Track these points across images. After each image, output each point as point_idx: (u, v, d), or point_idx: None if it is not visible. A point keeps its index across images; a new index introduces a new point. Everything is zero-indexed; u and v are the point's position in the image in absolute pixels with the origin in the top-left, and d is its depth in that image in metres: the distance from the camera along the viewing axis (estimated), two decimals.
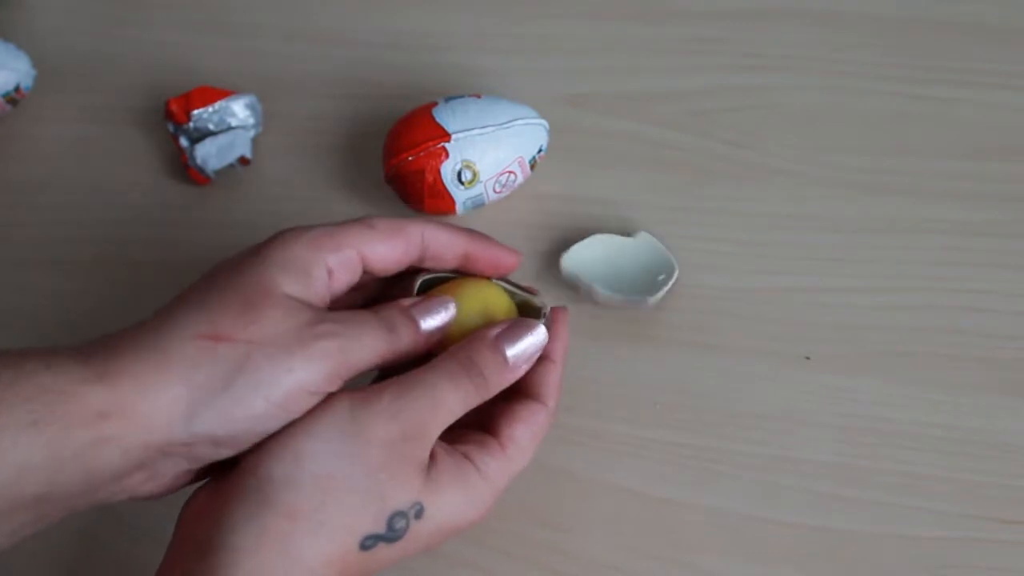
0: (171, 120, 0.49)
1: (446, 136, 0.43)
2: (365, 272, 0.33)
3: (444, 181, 0.44)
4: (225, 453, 0.29)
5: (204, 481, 0.31)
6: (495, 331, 0.33)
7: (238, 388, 0.28)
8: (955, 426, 0.40)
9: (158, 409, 0.28)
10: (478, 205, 0.46)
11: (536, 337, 0.33)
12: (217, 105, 0.49)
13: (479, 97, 0.45)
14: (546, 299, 0.37)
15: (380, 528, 0.29)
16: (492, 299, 0.35)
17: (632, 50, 0.52)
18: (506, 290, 0.36)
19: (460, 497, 0.31)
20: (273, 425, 0.29)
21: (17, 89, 0.52)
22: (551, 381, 0.35)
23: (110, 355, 0.28)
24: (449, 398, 0.31)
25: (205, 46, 0.55)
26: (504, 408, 0.33)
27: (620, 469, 0.41)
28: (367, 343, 0.31)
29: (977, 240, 0.44)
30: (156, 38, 0.55)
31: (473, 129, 0.43)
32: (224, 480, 0.29)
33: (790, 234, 0.45)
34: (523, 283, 0.37)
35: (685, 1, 0.53)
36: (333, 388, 0.30)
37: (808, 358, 0.42)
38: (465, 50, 0.53)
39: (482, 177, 0.44)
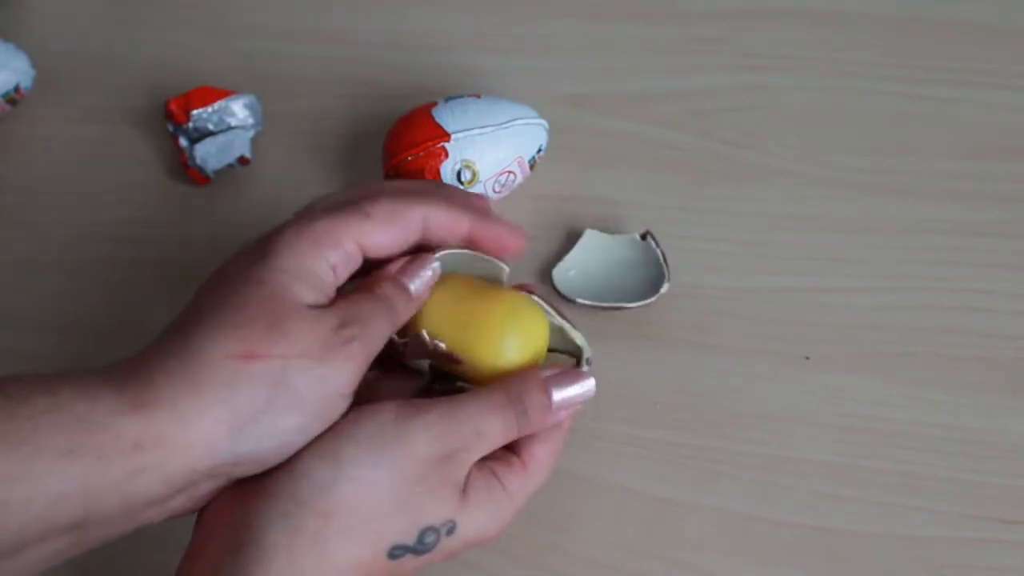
0: (171, 120, 0.49)
1: (446, 136, 0.43)
2: (365, 260, 0.33)
3: (444, 181, 0.44)
4: (269, 465, 0.29)
5: None
6: (547, 373, 0.33)
7: (278, 404, 0.28)
8: (955, 426, 0.40)
9: (201, 435, 0.27)
10: None
11: (584, 389, 0.33)
12: (217, 105, 0.48)
13: (479, 97, 0.45)
14: (585, 338, 0.36)
15: (410, 540, 0.29)
16: (528, 321, 0.34)
17: (632, 50, 0.52)
18: (546, 312, 0.36)
19: (487, 514, 0.31)
20: (312, 434, 0.29)
21: (17, 89, 0.52)
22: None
23: (144, 384, 0.28)
24: (493, 429, 0.31)
25: (205, 46, 0.55)
26: None
27: (620, 469, 0.41)
28: (380, 332, 0.31)
29: (977, 240, 0.44)
30: (156, 38, 0.55)
31: (473, 129, 0.43)
32: (258, 476, 0.29)
33: (790, 234, 0.45)
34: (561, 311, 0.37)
35: (685, 1, 0.53)
36: (357, 384, 0.30)
37: (808, 358, 0.42)
38: (465, 50, 0.53)
39: (482, 177, 0.44)
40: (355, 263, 0.33)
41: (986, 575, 0.37)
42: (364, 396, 0.31)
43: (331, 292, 0.31)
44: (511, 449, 0.33)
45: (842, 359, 0.42)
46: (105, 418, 0.27)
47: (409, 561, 0.30)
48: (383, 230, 0.32)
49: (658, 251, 0.43)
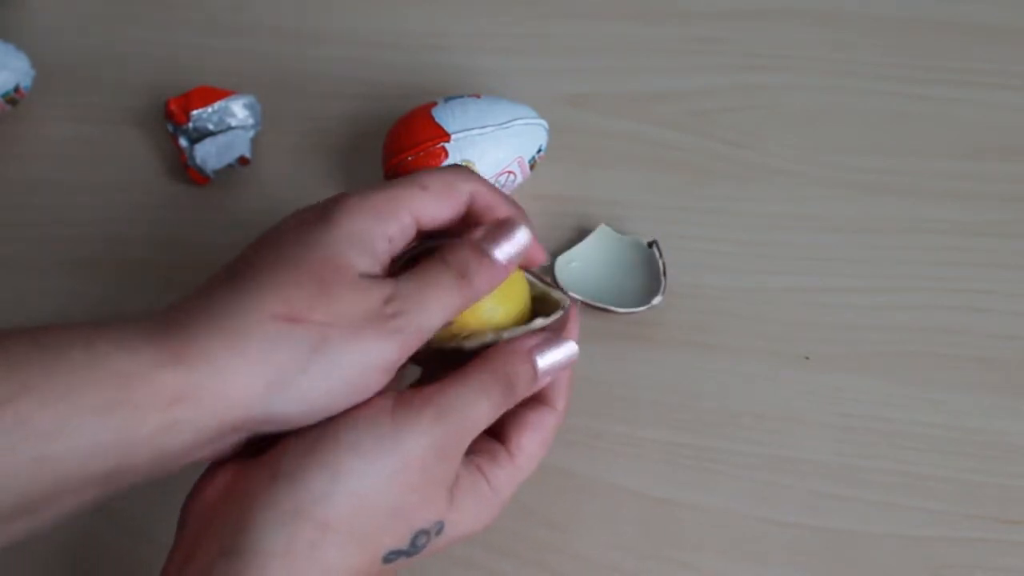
0: (171, 120, 0.49)
1: (446, 136, 0.43)
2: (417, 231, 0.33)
3: None
4: (294, 427, 0.29)
5: (212, 467, 0.31)
6: (530, 343, 0.33)
7: (316, 370, 0.28)
8: (955, 426, 0.40)
9: (236, 391, 0.27)
10: None
11: (567, 352, 0.33)
12: (217, 105, 0.49)
13: (479, 97, 0.45)
14: (564, 296, 0.36)
15: (404, 544, 0.30)
16: (512, 284, 0.34)
17: (632, 50, 0.52)
18: (527, 279, 0.36)
19: (472, 511, 0.31)
20: (346, 403, 0.29)
21: (17, 89, 0.52)
22: (560, 383, 0.35)
23: (185, 337, 0.27)
24: (483, 414, 0.31)
25: (205, 46, 0.55)
26: (513, 413, 0.33)
27: (620, 469, 0.41)
28: (439, 307, 0.30)
29: (977, 240, 0.44)
30: (156, 38, 0.55)
31: (473, 129, 0.43)
32: (250, 477, 0.29)
33: (790, 234, 0.45)
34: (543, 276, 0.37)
35: (685, 1, 0.53)
36: (404, 359, 0.30)
37: (808, 358, 0.42)
38: (465, 50, 0.53)
39: None
40: (409, 234, 0.32)
41: (986, 575, 0.37)
42: None
43: (386, 261, 0.31)
44: (498, 436, 0.33)
45: (842, 359, 0.42)
46: (143, 370, 0.26)
47: (400, 562, 0.30)
48: (437, 202, 0.32)
49: (660, 262, 0.43)
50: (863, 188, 0.46)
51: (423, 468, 0.29)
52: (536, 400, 0.34)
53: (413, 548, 0.30)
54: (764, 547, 0.39)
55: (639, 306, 0.43)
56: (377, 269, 0.31)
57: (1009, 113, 0.48)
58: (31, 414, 0.25)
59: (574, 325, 0.36)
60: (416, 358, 0.33)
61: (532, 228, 0.34)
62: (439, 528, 0.30)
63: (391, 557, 0.29)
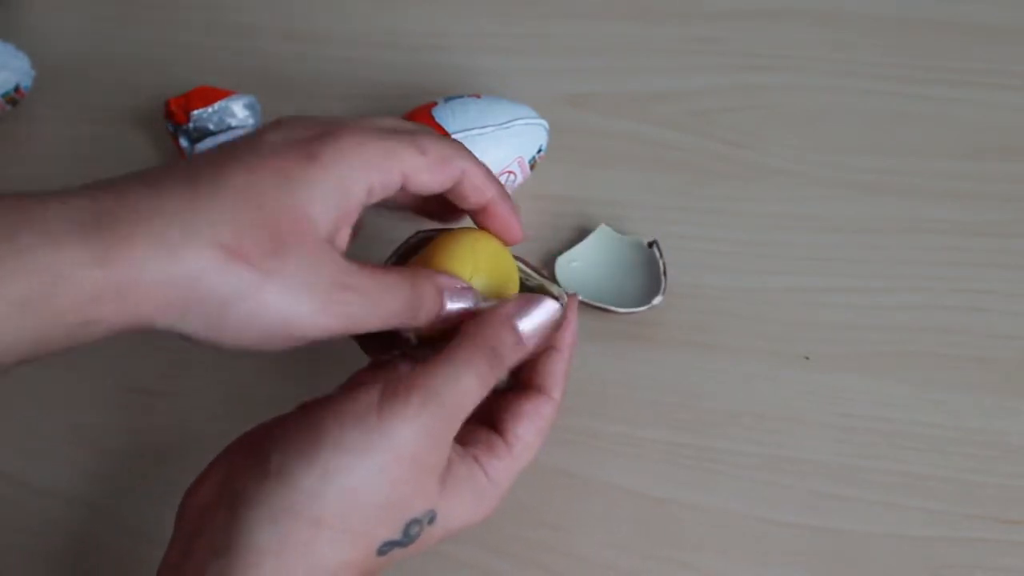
0: (171, 120, 0.49)
1: (446, 136, 0.43)
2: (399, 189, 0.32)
3: None
4: (198, 346, 0.29)
5: (207, 467, 0.31)
6: (507, 309, 0.32)
7: (238, 311, 0.27)
8: (955, 426, 0.40)
9: (155, 301, 0.27)
10: None
11: (548, 311, 0.33)
12: (217, 105, 0.49)
13: (479, 97, 0.45)
14: (562, 290, 0.37)
15: (397, 535, 0.29)
16: (503, 262, 0.35)
17: (632, 50, 0.52)
18: (522, 272, 0.36)
19: (469, 502, 0.31)
20: (255, 350, 0.29)
21: (17, 89, 0.52)
22: (557, 371, 0.34)
23: (118, 239, 0.26)
24: (472, 389, 0.30)
25: (205, 46, 0.55)
26: (509, 402, 0.33)
27: (619, 469, 0.41)
28: (382, 314, 0.30)
29: (977, 240, 0.44)
30: (156, 38, 0.55)
31: (473, 129, 0.43)
32: (241, 476, 0.29)
33: (790, 234, 0.45)
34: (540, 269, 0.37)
35: (685, 1, 0.53)
36: (329, 337, 0.29)
37: (808, 358, 0.42)
38: (465, 50, 0.53)
39: None
40: (391, 190, 0.32)
41: (986, 575, 0.37)
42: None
43: (355, 210, 0.30)
44: (494, 427, 0.33)
45: (842, 359, 0.42)
46: (66, 268, 0.25)
47: (395, 553, 0.30)
48: (432, 171, 0.32)
49: (661, 262, 0.43)
50: (863, 188, 0.46)
51: (414, 458, 0.29)
52: (532, 389, 0.34)
53: (407, 538, 0.30)
54: (764, 547, 0.39)
55: (639, 306, 0.43)
56: (343, 227, 0.30)
57: (1009, 113, 0.48)
58: None
59: (572, 317, 0.36)
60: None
61: (518, 213, 0.34)
62: (431, 517, 0.30)
63: (385, 548, 0.29)
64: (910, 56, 0.50)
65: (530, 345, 0.33)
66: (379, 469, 0.28)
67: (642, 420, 0.42)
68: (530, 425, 0.33)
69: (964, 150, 0.47)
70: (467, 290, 0.33)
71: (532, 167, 0.46)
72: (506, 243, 0.36)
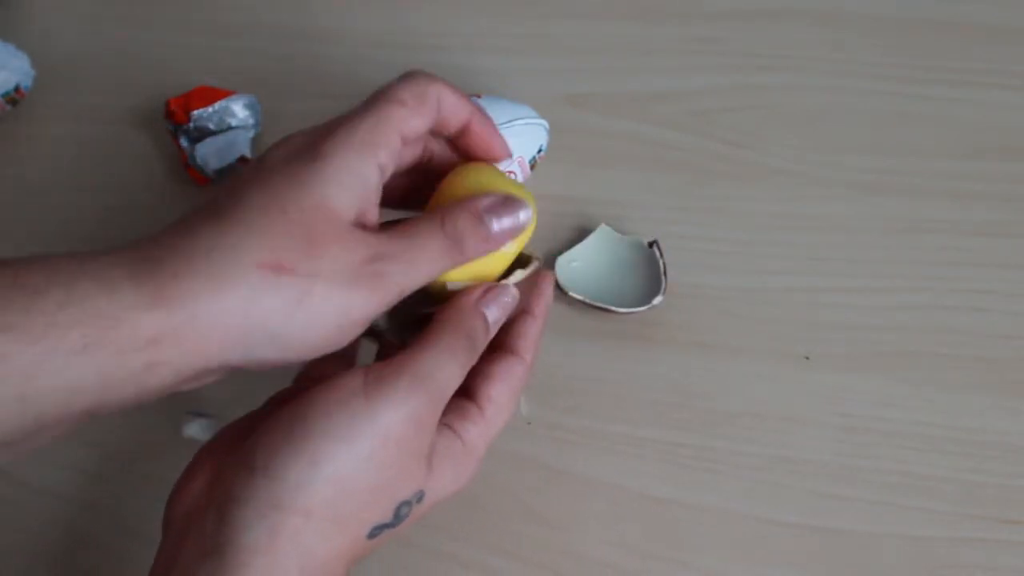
0: (171, 120, 0.49)
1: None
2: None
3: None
4: (269, 368, 0.30)
5: (189, 470, 0.31)
6: (475, 296, 0.33)
7: (296, 321, 0.28)
8: (955, 426, 0.40)
9: (215, 336, 0.27)
10: None
11: (509, 295, 0.34)
12: (217, 105, 0.49)
13: (479, 97, 0.45)
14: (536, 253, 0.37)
15: (387, 518, 0.30)
16: (494, 178, 0.35)
17: (632, 50, 0.52)
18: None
19: (450, 473, 0.31)
20: (323, 350, 0.29)
21: (17, 89, 0.52)
22: (530, 334, 0.35)
23: (167, 278, 0.27)
24: (453, 375, 0.31)
25: (205, 46, 0.55)
26: (480, 365, 0.33)
27: (619, 469, 0.41)
28: (426, 267, 0.31)
29: (977, 240, 0.44)
30: (156, 38, 0.55)
31: None
32: (227, 474, 0.29)
33: (790, 234, 0.45)
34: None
35: (685, 1, 0.53)
36: (382, 311, 0.30)
37: (808, 358, 0.42)
38: (465, 50, 0.53)
39: None
40: (398, 155, 0.32)
41: (986, 575, 0.37)
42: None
43: (376, 192, 0.31)
44: (466, 393, 0.33)
45: (842, 359, 0.42)
46: (123, 312, 0.26)
47: (385, 535, 0.30)
48: (416, 115, 0.32)
49: (661, 262, 0.43)
50: (863, 188, 0.46)
51: (401, 441, 0.29)
52: (504, 351, 0.34)
53: (396, 519, 0.30)
54: (764, 547, 0.39)
55: (639, 306, 0.43)
56: (368, 206, 0.31)
57: (1009, 113, 0.48)
58: (11, 353, 0.25)
59: (548, 288, 0.36)
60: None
61: (494, 127, 0.35)
62: (419, 496, 0.30)
63: (375, 532, 0.30)
64: (910, 56, 0.50)
65: (492, 332, 0.33)
66: (367, 455, 0.28)
67: (642, 420, 0.42)
68: (502, 387, 0.33)
69: (964, 150, 0.47)
70: (510, 202, 0.33)
71: (532, 167, 0.46)
72: (494, 160, 0.36)
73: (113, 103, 0.53)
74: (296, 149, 0.31)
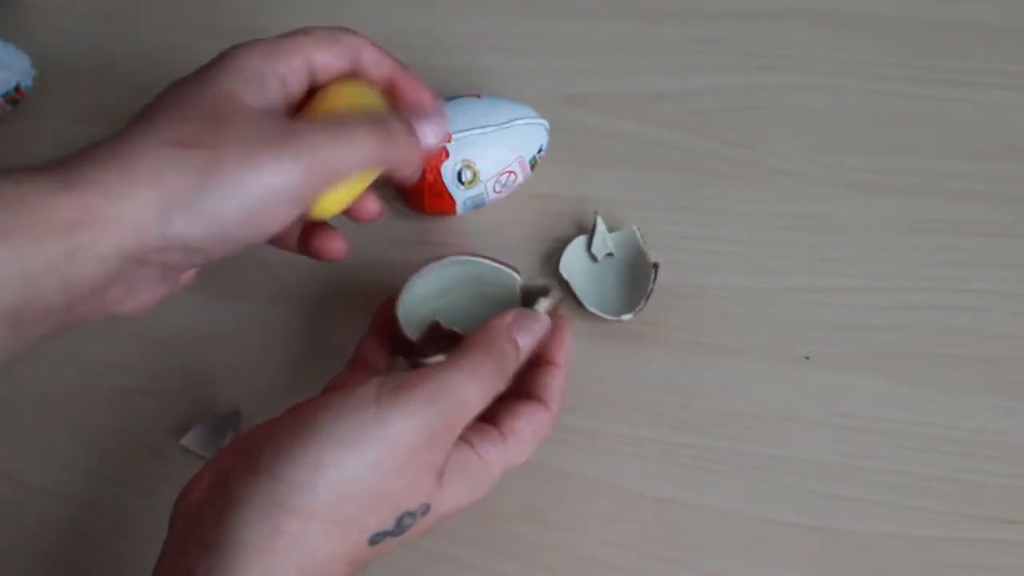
0: None
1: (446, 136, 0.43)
2: (309, 83, 0.34)
3: (444, 181, 0.44)
4: (197, 261, 0.30)
5: (200, 471, 0.31)
6: (507, 320, 0.33)
7: (208, 192, 0.28)
8: (955, 426, 0.40)
9: (129, 214, 0.28)
10: (478, 205, 0.46)
11: (543, 325, 0.35)
12: None
13: (479, 97, 0.45)
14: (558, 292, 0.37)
15: (389, 526, 0.30)
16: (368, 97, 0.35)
17: (632, 50, 0.52)
18: (527, 284, 0.38)
19: (463, 488, 0.31)
20: (244, 233, 0.30)
21: (17, 89, 0.52)
22: (554, 385, 0.35)
23: (76, 166, 0.28)
24: (475, 397, 0.31)
25: (205, 46, 0.54)
26: (508, 404, 0.34)
27: (620, 469, 0.41)
28: (349, 145, 0.31)
29: (977, 240, 0.44)
30: (156, 38, 0.55)
31: (473, 129, 0.43)
32: (232, 474, 0.29)
33: (790, 234, 0.45)
34: (538, 283, 0.38)
35: (685, 1, 0.53)
36: (311, 194, 0.30)
37: (808, 358, 0.42)
38: (465, 50, 0.53)
39: (482, 177, 0.44)
40: (303, 79, 0.33)
41: (986, 575, 0.37)
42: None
43: (279, 99, 0.32)
44: (490, 421, 0.33)
45: (842, 359, 0.42)
46: (37, 198, 0.27)
47: (387, 543, 0.30)
48: (324, 48, 0.34)
49: (652, 286, 0.43)
50: (863, 188, 0.46)
51: (410, 451, 0.29)
52: (530, 397, 0.34)
53: (399, 528, 0.30)
54: (764, 547, 0.39)
55: (616, 315, 0.42)
56: (268, 103, 0.31)
57: (1009, 113, 0.48)
58: None
59: (568, 336, 0.36)
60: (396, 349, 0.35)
61: (420, 83, 0.36)
62: (425, 509, 0.30)
63: (376, 538, 0.29)
64: (910, 56, 0.50)
65: (524, 358, 0.34)
66: (373, 460, 0.28)
67: (642, 420, 0.42)
68: (526, 425, 0.33)
69: (964, 150, 0.47)
70: (438, 115, 0.35)
71: (532, 167, 0.46)
72: (421, 112, 0.36)
73: (113, 103, 0.53)
74: (195, 70, 0.32)
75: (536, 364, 0.35)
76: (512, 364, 0.33)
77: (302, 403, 0.31)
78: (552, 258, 0.45)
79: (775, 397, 0.42)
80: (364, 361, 0.37)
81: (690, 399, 0.42)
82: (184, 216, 0.28)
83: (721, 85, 0.50)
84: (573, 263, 0.45)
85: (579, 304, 0.44)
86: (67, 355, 0.46)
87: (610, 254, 0.45)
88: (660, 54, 0.52)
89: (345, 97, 0.34)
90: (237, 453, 0.30)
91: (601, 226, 0.45)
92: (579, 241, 0.45)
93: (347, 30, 0.35)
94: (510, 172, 0.45)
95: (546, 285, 0.37)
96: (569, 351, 0.36)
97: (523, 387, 0.35)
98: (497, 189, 0.45)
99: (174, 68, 0.54)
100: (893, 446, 0.40)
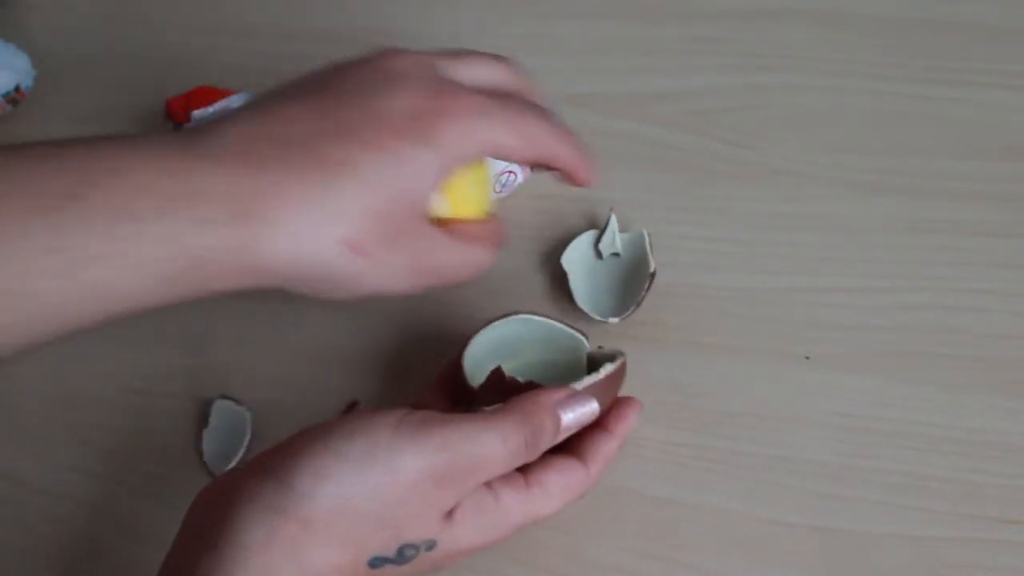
0: (171, 120, 0.49)
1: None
2: None
3: None
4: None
5: (219, 476, 0.31)
6: (556, 396, 0.33)
7: (343, 286, 0.30)
8: (955, 426, 0.40)
9: (280, 279, 0.30)
10: None
11: (590, 409, 0.34)
12: (217, 105, 0.48)
13: None
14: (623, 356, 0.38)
15: (389, 553, 0.30)
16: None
17: (632, 50, 0.52)
18: (595, 352, 0.39)
19: (474, 528, 0.32)
20: (338, 302, 0.32)
21: (17, 89, 0.52)
22: (600, 449, 0.35)
23: (263, 222, 0.29)
24: (498, 457, 0.31)
25: (205, 46, 0.55)
26: (544, 456, 0.34)
27: (620, 469, 0.40)
28: (458, 280, 0.34)
29: (977, 240, 0.44)
30: (156, 38, 0.55)
31: None
32: (240, 479, 0.30)
33: (790, 234, 0.45)
34: (606, 350, 0.38)
35: (685, 1, 0.53)
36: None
37: (808, 358, 0.42)
38: None
39: None
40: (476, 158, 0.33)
41: (986, 575, 0.37)
42: None
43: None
44: (523, 469, 0.33)
45: (842, 359, 0.42)
46: (219, 256, 0.28)
47: (389, 570, 0.30)
48: (519, 150, 0.33)
49: (644, 293, 0.43)
50: (863, 188, 0.46)
51: (414, 486, 0.29)
52: (568, 453, 0.34)
53: (400, 558, 0.30)
54: (764, 547, 0.39)
55: (604, 316, 0.42)
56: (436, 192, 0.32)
57: (1009, 113, 0.48)
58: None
59: (633, 417, 0.37)
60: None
61: (579, 153, 0.36)
62: (430, 545, 0.31)
63: (376, 563, 0.30)
64: (910, 56, 0.50)
65: (561, 437, 0.34)
66: (374, 485, 0.29)
67: (642, 420, 0.41)
68: (557, 478, 0.33)
69: (964, 150, 0.47)
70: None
71: (533, 168, 0.46)
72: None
73: (113, 103, 0.53)
74: (409, 114, 0.31)
75: (591, 426, 0.35)
76: (547, 439, 0.33)
77: (328, 422, 0.32)
78: (552, 258, 0.45)
79: (775, 397, 0.42)
80: (424, 407, 0.37)
81: (690, 399, 0.42)
82: (307, 289, 0.31)
83: (721, 85, 0.50)
84: (576, 257, 0.45)
85: (571, 299, 0.44)
86: (67, 355, 0.46)
87: (616, 254, 0.45)
88: (660, 54, 0.52)
89: (469, 188, 0.34)
90: (254, 460, 0.31)
91: (614, 224, 0.45)
92: (587, 236, 0.45)
93: (547, 127, 0.34)
94: (510, 172, 0.45)
95: (614, 352, 0.37)
96: (628, 425, 0.36)
97: (570, 444, 0.35)
98: (497, 189, 0.45)
99: (174, 68, 0.54)
100: (893, 446, 0.40)
